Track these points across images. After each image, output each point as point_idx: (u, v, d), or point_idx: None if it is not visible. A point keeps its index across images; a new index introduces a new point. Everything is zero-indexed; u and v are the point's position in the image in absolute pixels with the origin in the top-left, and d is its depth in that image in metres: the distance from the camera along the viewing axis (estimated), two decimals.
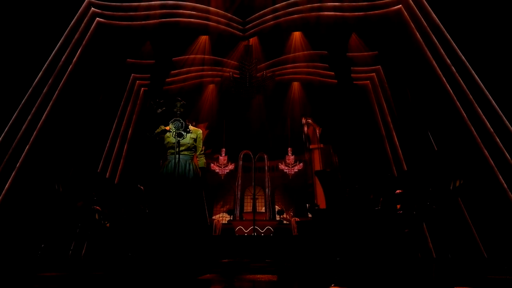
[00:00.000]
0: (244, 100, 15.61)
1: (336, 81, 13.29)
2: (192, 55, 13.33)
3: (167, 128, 4.48)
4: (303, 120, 17.89)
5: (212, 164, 18.91)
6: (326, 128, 16.39)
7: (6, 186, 7.98)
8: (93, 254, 7.96)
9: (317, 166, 17.35)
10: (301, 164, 19.03)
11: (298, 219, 14.18)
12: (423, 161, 9.71)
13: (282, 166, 19.42)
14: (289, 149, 19.20)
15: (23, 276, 3.95)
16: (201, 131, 4.66)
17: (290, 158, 19.17)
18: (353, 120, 12.24)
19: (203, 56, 13.48)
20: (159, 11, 11.41)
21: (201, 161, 4.56)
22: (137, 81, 13.01)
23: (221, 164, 19.18)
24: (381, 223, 7.77)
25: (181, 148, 4.32)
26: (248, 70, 13.51)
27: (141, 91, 13.02)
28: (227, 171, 19.36)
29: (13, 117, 8.58)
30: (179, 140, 4.25)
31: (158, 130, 4.47)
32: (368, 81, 13.13)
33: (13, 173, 8.18)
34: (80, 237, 7.60)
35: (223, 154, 19.27)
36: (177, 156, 4.21)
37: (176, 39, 12.40)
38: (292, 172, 19.20)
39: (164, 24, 11.59)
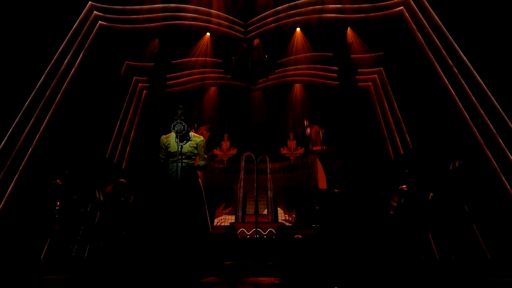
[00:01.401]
0: (244, 98, 15.63)
1: (338, 82, 13.31)
2: (194, 58, 13.38)
3: (169, 135, 4.48)
4: (306, 122, 17.91)
5: (215, 150, 18.82)
6: (328, 130, 16.42)
7: (9, 189, 8.01)
8: (96, 256, 7.97)
9: (320, 168, 17.34)
10: (302, 148, 18.79)
11: (301, 236, 13.97)
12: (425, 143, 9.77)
13: (284, 151, 19.14)
14: (290, 134, 18.97)
15: (24, 279, 3.95)
16: (202, 138, 4.54)
17: (292, 142, 18.89)
18: (355, 121, 12.23)
19: (205, 58, 13.52)
20: (161, 14, 11.47)
21: (202, 162, 4.49)
22: (139, 84, 13.08)
23: (223, 149, 19.11)
24: (378, 220, 7.77)
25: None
26: (250, 54, 13.33)
27: (143, 94, 13.08)
28: (230, 155, 19.24)
29: (17, 118, 8.62)
30: (181, 145, 4.24)
31: (160, 143, 4.47)
32: (370, 83, 13.14)
33: (15, 176, 8.22)
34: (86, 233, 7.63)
35: (226, 139, 19.20)
36: (179, 162, 4.19)
37: (178, 42, 12.46)
38: (294, 157, 18.96)
39: (166, 27, 11.65)
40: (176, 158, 4.27)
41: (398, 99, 11.73)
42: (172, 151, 4.33)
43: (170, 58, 12.74)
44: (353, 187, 10.43)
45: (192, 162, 4.47)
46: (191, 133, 4.47)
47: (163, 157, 4.44)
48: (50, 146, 8.90)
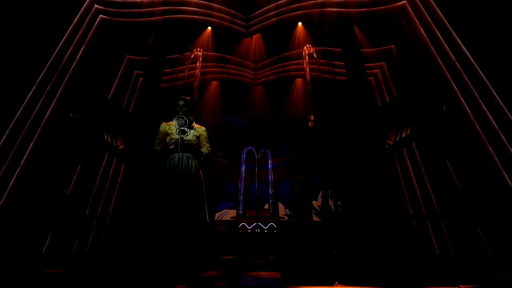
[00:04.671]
0: (245, 93, 15.54)
1: (340, 77, 13.21)
2: (195, 52, 13.31)
3: (171, 123, 4.44)
4: (311, 117, 17.80)
5: None
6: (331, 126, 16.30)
7: (10, 184, 8.03)
8: (98, 250, 8.01)
9: None
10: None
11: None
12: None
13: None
14: None
15: (27, 272, 3.97)
16: (204, 129, 4.54)
17: None
18: (357, 116, 12.12)
19: (206, 52, 13.45)
20: (163, 7, 11.40)
21: (205, 150, 4.46)
22: (140, 78, 13.03)
23: None
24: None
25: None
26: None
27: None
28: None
29: (17, 114, 8.60)
30: (182, 137, 4.22)
31: (160, 129, 4.43)
32: (372, 78, 13.07)
33: (16, 171, 8.23)
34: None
35: None
36: (180, 152, 4.18)
37: (180, 36, 12.39)
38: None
39: (167, 20, 11.58)
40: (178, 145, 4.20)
41: (401, 94, 11.67)
42: (174, 137, 4.29)
43: (171, 52, 12.65)
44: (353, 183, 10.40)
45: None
46: (193, 124, 4.44)
47: (159, 147, 4.40)
48: (51, 141, 8.90)
